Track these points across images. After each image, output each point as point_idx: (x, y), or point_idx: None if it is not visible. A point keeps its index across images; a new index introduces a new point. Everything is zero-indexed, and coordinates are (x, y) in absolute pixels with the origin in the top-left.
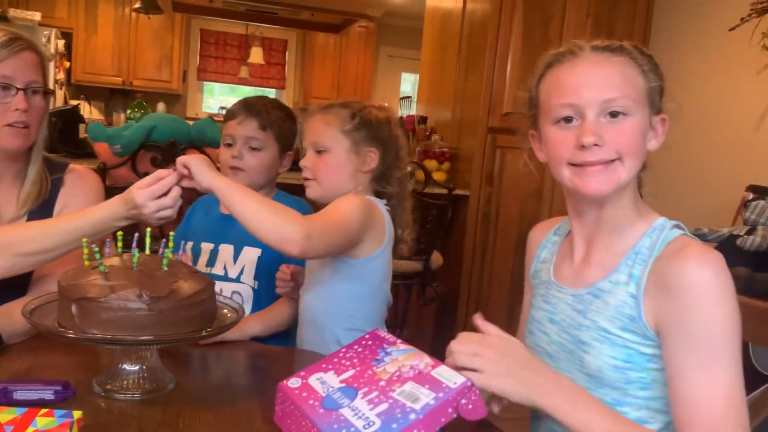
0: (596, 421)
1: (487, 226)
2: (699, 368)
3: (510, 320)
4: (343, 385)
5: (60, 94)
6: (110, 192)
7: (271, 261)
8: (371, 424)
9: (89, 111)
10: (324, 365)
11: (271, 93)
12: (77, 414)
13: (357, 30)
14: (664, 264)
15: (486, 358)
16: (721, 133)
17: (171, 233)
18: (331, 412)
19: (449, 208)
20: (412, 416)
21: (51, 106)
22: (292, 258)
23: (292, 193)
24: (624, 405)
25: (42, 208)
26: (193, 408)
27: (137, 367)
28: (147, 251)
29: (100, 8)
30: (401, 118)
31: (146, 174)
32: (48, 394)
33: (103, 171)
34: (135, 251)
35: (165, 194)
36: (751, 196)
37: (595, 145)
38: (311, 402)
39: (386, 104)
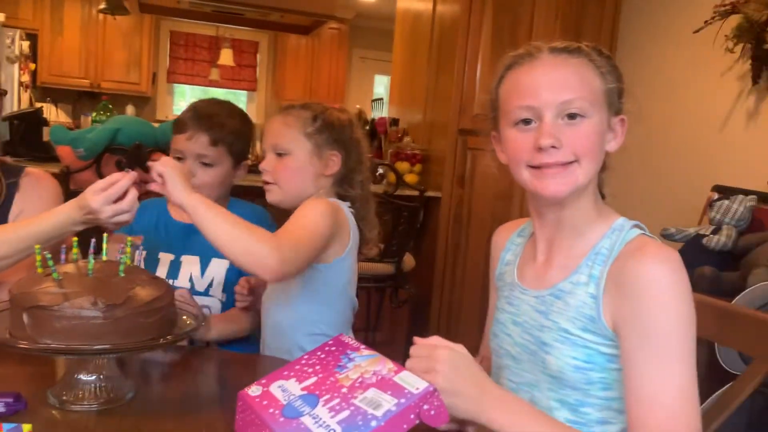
0: None
1: (459, 228)
2: (653, 366)
3: (482, 321)
4: (305, 392)
5: (25, 96)
6: (73, 196)
7: (239, 274)
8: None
9: (56, 114)
10: (286, 372)
11: (242, 95)
12: (26, 427)
13: (329, 32)
14: (622, 263)
15: (436, 373)
16: (688, 133)
17: (129, 239)
18: (291, 421)
19: (421, 210)
20: (374, 423)
21: (15, 108)
22: None
23: (249, 196)
24: (586, 405)
25: None
26: (153, 418)
27: (93, 377)
28: (104, 257)
29: (66, 9)
30: (373, 120)
31: None
32: None
33: (66, 175)
34: (91, 257)
35: (122, 198)
36: (716, 195)
37: (553, 147)
38: (271, 410)
39: (344, 105)
